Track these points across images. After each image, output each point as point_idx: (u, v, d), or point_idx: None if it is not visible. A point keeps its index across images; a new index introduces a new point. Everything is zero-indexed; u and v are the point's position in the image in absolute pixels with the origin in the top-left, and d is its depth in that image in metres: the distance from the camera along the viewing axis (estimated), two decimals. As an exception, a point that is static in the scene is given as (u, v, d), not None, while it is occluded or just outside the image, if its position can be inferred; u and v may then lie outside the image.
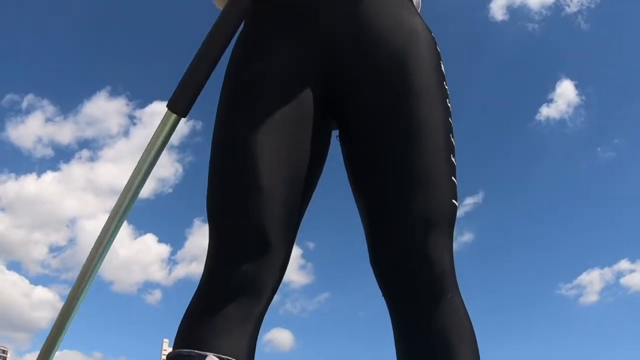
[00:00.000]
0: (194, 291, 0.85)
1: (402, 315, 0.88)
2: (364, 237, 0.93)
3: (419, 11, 1.04)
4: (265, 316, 0.86)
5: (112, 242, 0.94)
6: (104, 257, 0.94)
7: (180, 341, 0.79)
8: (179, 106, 0.93)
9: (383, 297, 0.90)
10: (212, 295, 0.82)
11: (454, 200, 0.88)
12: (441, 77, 0.95)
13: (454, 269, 0.88)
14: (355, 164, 0.95)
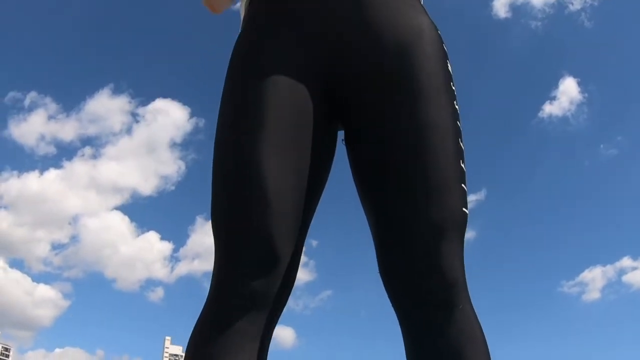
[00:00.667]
0: (204, 301, 0.83)
1: (413, 323, 0.87)
2: (370, 239, 0.91)
3: (421, 3, 1.00)
4: None
5: None
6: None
7: (191, 358, 0.79)
8: None
9: (392, 306, 0.89)
10: (222, 310, 0.81)
11: (464, 209, 0.87)
12: (448, 77, 0.92)
13: (465, 277, 0.87)
14: (362, 169, 0.92)
